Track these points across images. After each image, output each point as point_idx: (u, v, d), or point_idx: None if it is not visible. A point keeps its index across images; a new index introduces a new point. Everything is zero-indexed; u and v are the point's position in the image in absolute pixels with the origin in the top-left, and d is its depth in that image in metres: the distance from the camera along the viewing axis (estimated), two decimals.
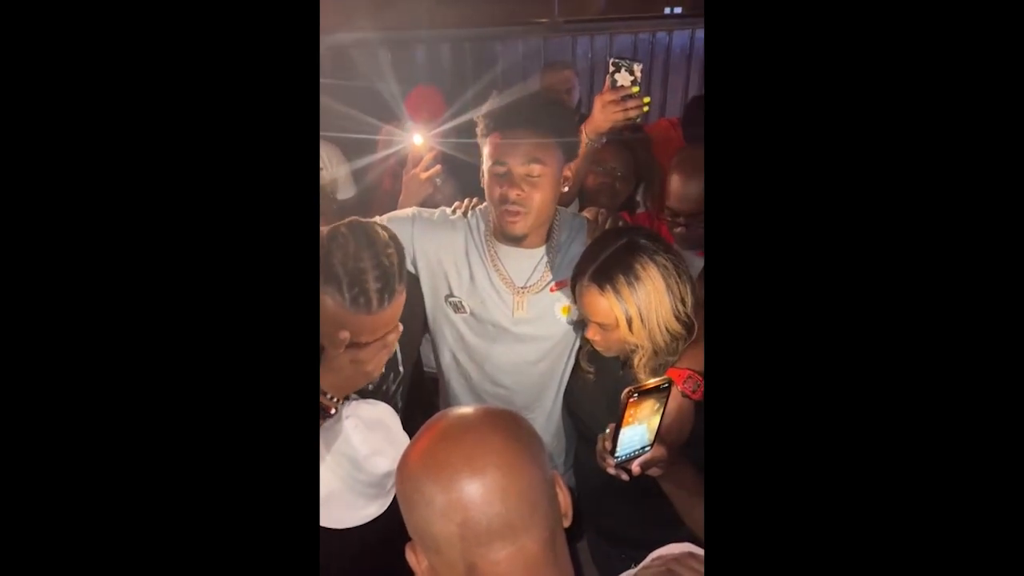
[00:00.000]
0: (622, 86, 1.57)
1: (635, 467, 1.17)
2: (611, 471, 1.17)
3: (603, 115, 1.60)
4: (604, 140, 1.65)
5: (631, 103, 1.57)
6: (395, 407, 1.39)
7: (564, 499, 0.80)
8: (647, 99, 1.60)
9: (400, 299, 1.19)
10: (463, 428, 0.77)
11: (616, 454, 1.15)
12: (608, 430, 1.16)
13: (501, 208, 1.44)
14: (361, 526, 1.23)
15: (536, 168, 1.41)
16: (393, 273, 1.17)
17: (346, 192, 2.65)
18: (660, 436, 1.17)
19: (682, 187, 1.74)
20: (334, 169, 2.55)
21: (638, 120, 1.64)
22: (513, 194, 1.41)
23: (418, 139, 1.78)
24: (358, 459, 1.18)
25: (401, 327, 1.22)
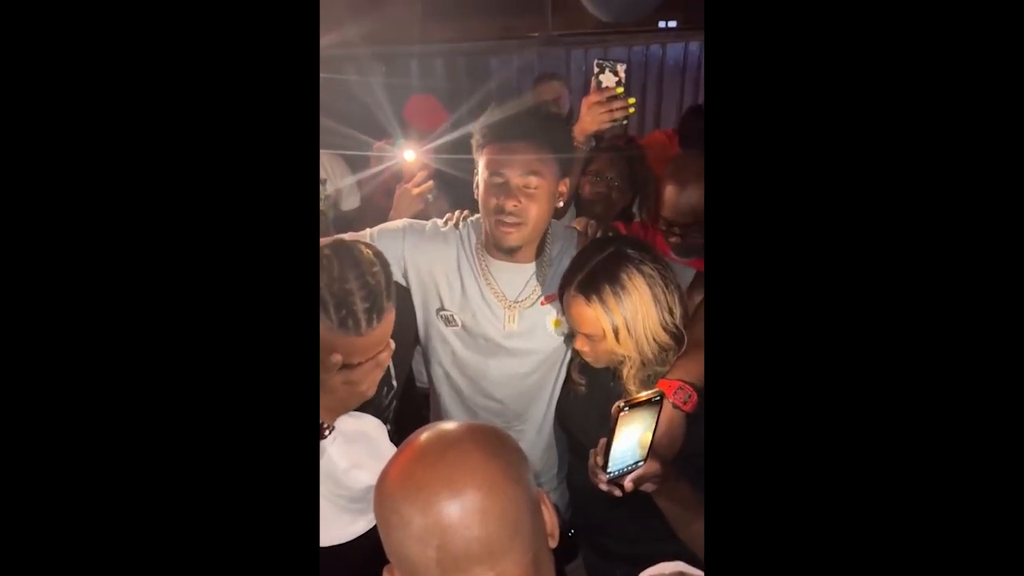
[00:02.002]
0: (607, 87, 1.57)
1: (628, 483, 1.15)
2: (603, 487, 1.15)
3: (590, 117, 1.60)
4: (593, 143, 1.65)
5: (616, 104, 1.57)
6: (388, 421, 1.38)
7: (550, 518, 0.77)
8: (632, 100, 1.59)
9: (389, 317, 1.18)
10: (442, 446, 0.73)
11: (608, 469, 1.12)
12: (600, 445, 1.14)
13: (496, 218, 1.43)
14: (353, 544, 1.21)
15: (534, 180, 1.41)
16: (380, 291, 1.15)
17: (351, 203, 2.67)
18: (653, 450, 1.15)
19: (677, 197, 1.73)
20: (339, 180, 2.57)
21: (624, 122, 1.62)
22: (510, 205, 1.41)
23: (410, 155, 1.78)
24: (336, 474, 1.16)
25: (393, 344, 1.20)
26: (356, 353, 1.14)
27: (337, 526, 1.19)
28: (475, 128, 1.48)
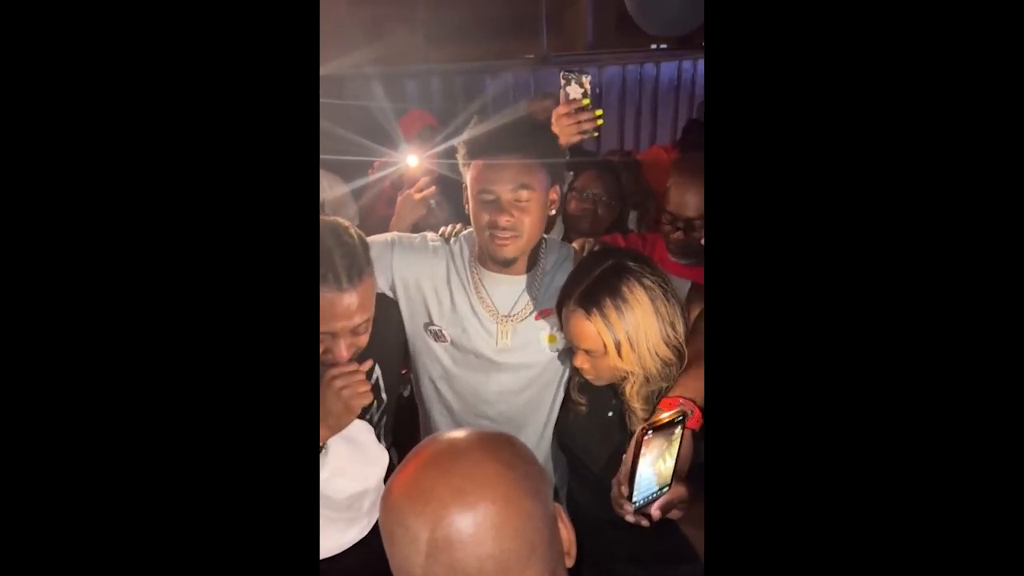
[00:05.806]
0: (574, 99, 1.55)
1: (655, 511, 1.07)
2: (630, 518, 1.07)
3: (558, 130, 1.58)
4: (567, 156, 1.65)
5: (584, 116, 1.55)
6: (381, 437, 1.34)
7: (567, 535, 0.73)
8: (599, 111, 1.56)
9: (368, 284, 1.17)
10: (453, 455, 0.69)
11: (634, 499, 1.04)
12: (622, 473, 1.06)
13: (490, 233, 1.41)
14: (355, 557, 1.18)
15: (524, 194, 1.39)
16: (358, 253, 1.15)
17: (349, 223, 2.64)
18: (677, 473, 1.07)
19: (682, 192, 1.71)
20: (337, 201, 2.55)
21: (594, 135, 1.60)
22: (503, 220, 1.38)
23: (413, 160, 1.78)
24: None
25: (371, 321, 1.19)
26: (337, 317, 1.12)
27: (325, 538, 1.14)
28: (458, 144, 1.46)
